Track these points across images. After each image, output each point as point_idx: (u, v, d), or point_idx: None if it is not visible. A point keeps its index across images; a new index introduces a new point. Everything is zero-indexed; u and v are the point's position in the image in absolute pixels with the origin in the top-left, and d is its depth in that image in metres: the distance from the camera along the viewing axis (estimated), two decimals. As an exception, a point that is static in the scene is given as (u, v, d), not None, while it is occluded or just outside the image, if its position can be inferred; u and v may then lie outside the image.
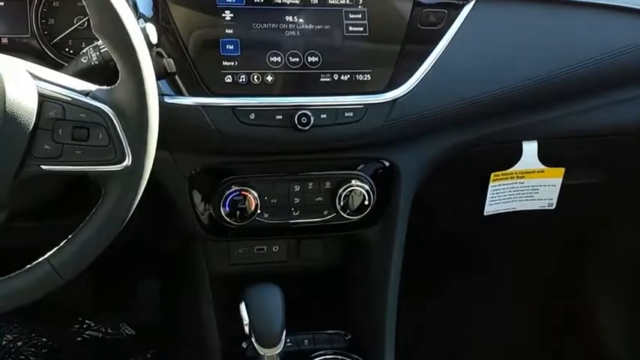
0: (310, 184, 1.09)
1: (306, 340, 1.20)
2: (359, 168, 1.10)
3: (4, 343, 1.55)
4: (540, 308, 1.68)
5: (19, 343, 1.56)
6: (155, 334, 1.59)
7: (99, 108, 0.77)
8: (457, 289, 1.64)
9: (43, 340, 1.57)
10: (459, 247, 1.57)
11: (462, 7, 1.07)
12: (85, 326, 1.61)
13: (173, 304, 1.43)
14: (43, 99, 0.76)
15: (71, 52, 1.03)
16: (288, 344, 1.13)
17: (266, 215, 1.07)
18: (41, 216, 1.01)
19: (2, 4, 1.00)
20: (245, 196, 1.04)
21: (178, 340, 1.41)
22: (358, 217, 1.10)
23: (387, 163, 1.12)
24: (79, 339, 1.60)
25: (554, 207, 1.27)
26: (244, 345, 1.16)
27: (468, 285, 1.64)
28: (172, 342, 1.46)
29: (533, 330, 1.66)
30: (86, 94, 0.78)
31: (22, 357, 1.55)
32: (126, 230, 0.82)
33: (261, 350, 1.01)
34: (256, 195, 1.05)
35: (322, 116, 1.00)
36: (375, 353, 1.18)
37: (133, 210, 0.81)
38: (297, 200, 1.08)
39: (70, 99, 0.77)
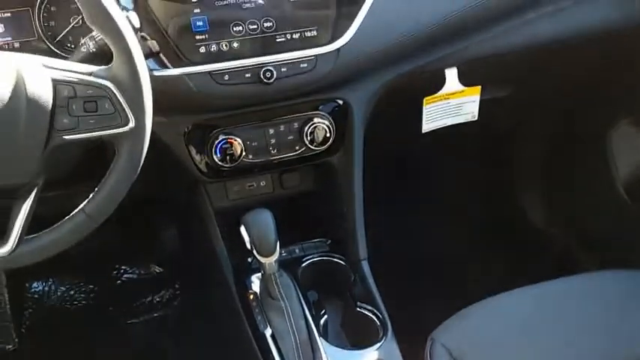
0: (282, 127, 1.09)
1: (296, 249, 1.22)
2: (319, 108, 1.11)
3: (59, 293, 1.57)
4: (476, 194, 1.71)
5: (72, 292, 1.58)
6: (179, 267, 1.60)
7: (101, 84, 0.78)
8: (410, 193, 1.65)
9: (90, 286, 1.59)
10: (406, 161, 1.58)
11: (382, -35, 1.05)
12: (122, 271, 1.62)
13: (189, 240, 1.44)
14: (56, 83, 0.77)
15: (72, 46, 1.02)
16: (283, 254, 1.14)
17: (250, 156, 1.08)
18: (70, 183, 1.01)
19: (10, 14, 0.99)
20: (231, 143, 1.05)
21: (197, 267, 1.42)
22: (323, 148, 1.11)
23: (340, 101, 1.12)
24: (118, 282, 1.62)
25: (476, 118, 1.28)
26: (249, 260, 1.17)
27: (420, 188, 1.66)
28: (193, 270, 1.48)
29: (472, 210, 1.69)
30: (90, 74, 0.79)
31: (75, 302, 1.57)
32: (142, 182, 0.83)
33: (262, 260, 1.03)
34: (240, 141, 1.06)
35: (283, 70, 1.00)
36: (352, 252, 1.20)
37: (142, 161, 0.82)
38: (273, 141, 1.09)
39: (77, 80, 0.78)
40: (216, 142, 1.05)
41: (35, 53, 0.95)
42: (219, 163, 1.06)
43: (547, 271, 1.08)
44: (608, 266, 1.07)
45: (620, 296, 1.01)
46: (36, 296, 1.57)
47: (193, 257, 1.44)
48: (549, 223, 1.65)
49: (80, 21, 1.00)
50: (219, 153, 1.05)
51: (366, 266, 1.18)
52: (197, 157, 1.08)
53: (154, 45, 0.94)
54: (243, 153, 1.06)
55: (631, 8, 1.24)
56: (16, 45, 1.00)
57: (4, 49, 0.99)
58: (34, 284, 1.57)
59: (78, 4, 0.78)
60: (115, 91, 0.78)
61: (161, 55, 0.96)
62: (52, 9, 1.01)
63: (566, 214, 1.63)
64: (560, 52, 1.29)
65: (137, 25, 0.90)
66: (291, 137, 1.10)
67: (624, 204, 1.44)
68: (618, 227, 1.48)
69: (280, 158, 1.11)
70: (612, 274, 1.06)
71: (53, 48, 1.01)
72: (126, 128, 0.80)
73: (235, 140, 1.05)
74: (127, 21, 0.81)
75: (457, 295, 1.10)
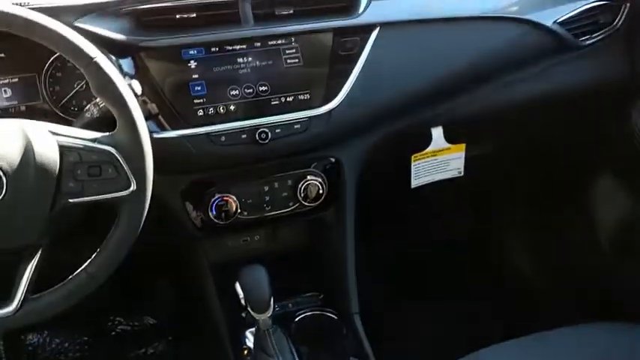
0: (276, 184, 1.12)
1: (290, 304, 1.24)
2: (312, 166, 1.13)
3: (53, 345, 1.57)
4: (469, 247, 1.73)
5: (66, 344, 1.57)
6: (173, 319, 1.60)
7: (106, 150, 0.82)
8: (400, 245, 1.67)
9: (85, 338, 1.58)
10: (396, 214, 1.61)
11: (370, 33, 1.09)
12: (116, 322, 1.62)
13: (183, 293, 1.46)
14: (63, 149, 0.81)
15: (76, 109, 1.05)
16: (277, 309, 1.15)
17: (245, 213, 1.10)
18: (72, 241, 1.02)
19: (17, 79, 1.02)
20: (227, 201, 1.07)
21: (191, 320, 1.43)
22: (316, 204, 1.13)
23: (332, 159, 1.15)
24: (113, 333, 1.61)
25: (462, 174, 1.32)
26: (243, 315, 1.17)
27: (409, 240, 1.68)
28: (187, 323, 1.48)
29: (464, 267, 1.70)
30: (94, 140, 0.82)
31: (70, 353, 1.56)
32: (139, 238, 0.86)
33: (256, 316, 1.04)
34: (235, 198, 1.08)
35: (277, 131, 1.03)
36: (343, 306, 1.22)
37: (142, 222, 0.85)
38: (267, 198, 1.11)
39: (83, 146, 0.82)
40: (212, 199, 1.07)
41: (40, 116, 1.00)
42: (215, 220, 1.08)
43: (535, 322, 1.09)
44: (591, 317, 1.08)
45: (607, 348, 1.01)
46: (30, 348, 1.56)
47: (188, 310, 1.46)
48: (536, 275, 1.67)
49: (84, 86, 1.04)
50: (215, 210, 1.07)
51: (357, 320, 1.20)
52: (193, 214, 1.10)
53: (153, 108, 0.98)
54: (238, 210, 1.09)
55: (621, 66, 1.30)
56: (22, 108, 1.03)
57: (11, 112, 1.02)
58: (29, 336, 1.56)
59: (86, 76, 0.82)
60: (117, 157, 0.82)
61: (160, 117, 0.99)
62: (58, 74, 1.04)
63: (551, 266, 1.65)
64: (544, 109, 1.34)
65: (139, 92, 0.94)
66: (285, 194, 1.12)
67: (607, 256, 1.47)
68: (602, 279, 1.50)
69: (274, 215, 1.13)
70: (597, 326, 1.07)
71: (57, 111, 1.05)
72: (127, 191, 0.83)
73: (230, 198, 1.08)
74: (130, 90, 0.85)
75: (447, 347, 1.10)
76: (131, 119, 0.82)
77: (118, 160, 0.82)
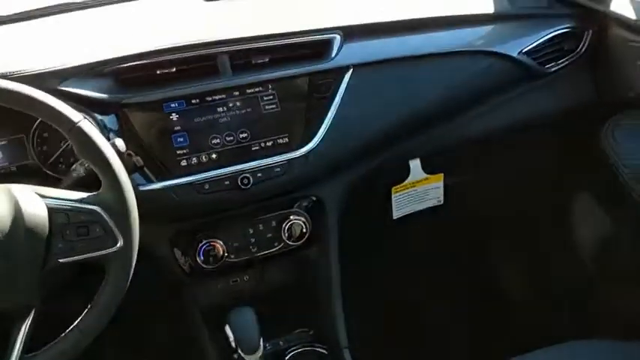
0: (261, 226, 1.14)
1: (280, 342, 1.23)
2: (294, 206, 1.16)
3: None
4: (455, 274, 1.74)
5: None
6: None
7: (92, 209, 0.85)
8: (389, 278, 1.67)
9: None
10: (383, 245, 1.61)
11: (343, 75, 1.12)
12: None
13: (176, 337, 1.46)
14: (51, 211, 0.84)
15: (64, 166, 1.07)
16: (267, 347, 1.17)
17: (232, 256, 1.13)
18: (63, 298, 1.03)
19: (5, 142, 1.05)
20: (214, 246, 1.10)
21: None
22: (300, 242, 1.16)
23: (314, 198, 1.18)
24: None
25: (442, 202, 1.35)
26: (235, 356, 1.15)
27: (396, 273, 1.68)
28: None
29: (451, 293, 1.71)
30: (80, 200, 0.85)
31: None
32: (130, 289, 0.88)
33: (247, 357, 1.06)
34: (222, 243, 1.10)
35: (258, 175, 1.07)
36: (333, 340, 1.23)
37: (131, 276, 0.88)
38: (253, 240, 1.14)
39: (70, 207, 0.85)
40: (200, 245, 1.09)
41: (29, 175, 1.03)
42: (203, 265, 1.10)
43: (520, 342, 1.10)
44: (575, 335, 1.09)
45: None
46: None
47: (182, 354, 1.44)
48: (520, 296, 1.69)
49: (70, 144, 1.06)
50: (203, 255, 1.09)
51: (347, 354, 1.21)
52: (182, 260, 1.12)
53: (138, 161, 1.00)
54: (226, 253, 1.11)
55: (587, 89, 1.35)
56: (13, 169, 1.06)
57: (2, 174, 1.05)
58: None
59: (69, 140, 0.86)
60: (104, 215, 0.85)
61: (145, 169, 1.02)
62: (45, 135, 1.07)
63: (535, 286, 1.67)
64: (517, 136, 1.38)
65: (123, 149, 0.96)
66: (270, 235, 1.15)
67: (590, 276, 1.50)
68: (586, 298, 1.53)
69: (261, 255, 1.15)
70: (581, 344, 1.09)
71: (47, 170, 1.08)
72: (115, 248, 0.85)
73: (217, 242, 1.10)
74: (112, 150, 0.88)
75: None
76: (115, 179, 0.86)
77: (104, 218, 0.85)
